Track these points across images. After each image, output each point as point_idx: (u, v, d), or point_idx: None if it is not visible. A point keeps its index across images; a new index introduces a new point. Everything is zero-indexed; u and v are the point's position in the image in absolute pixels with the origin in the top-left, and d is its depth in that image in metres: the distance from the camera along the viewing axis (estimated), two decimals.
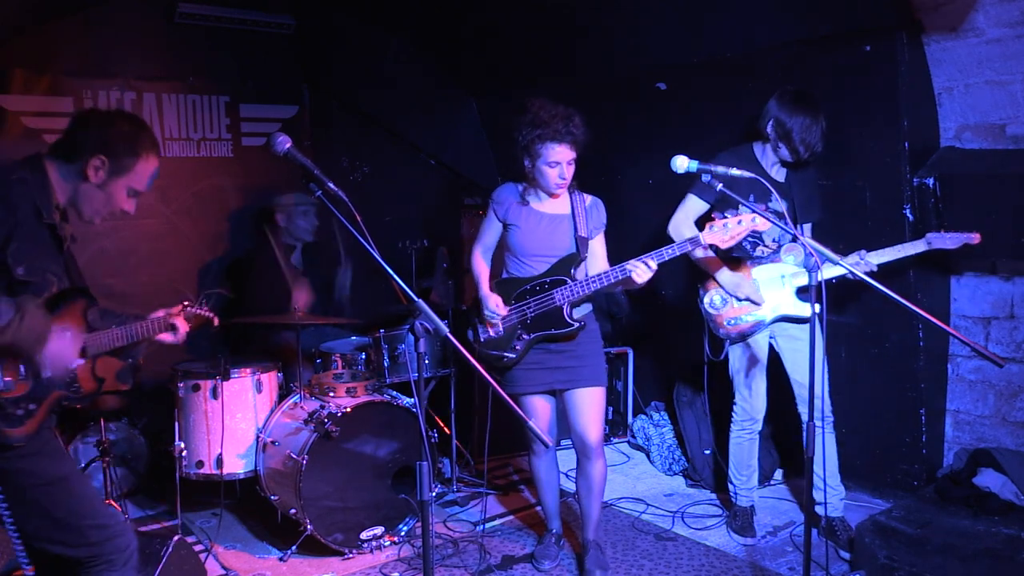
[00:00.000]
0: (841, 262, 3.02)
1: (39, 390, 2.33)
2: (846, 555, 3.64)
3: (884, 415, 4.01)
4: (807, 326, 3.65)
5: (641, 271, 3.16)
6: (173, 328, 2.69)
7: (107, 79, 4.83)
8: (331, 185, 2.29)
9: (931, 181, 3.80)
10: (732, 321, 3.75)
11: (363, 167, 5.88)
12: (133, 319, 2.63)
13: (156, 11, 4.93)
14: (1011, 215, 3.55)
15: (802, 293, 3.69)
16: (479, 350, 3.49)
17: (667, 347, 5.09)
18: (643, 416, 5.16)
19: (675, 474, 4.83)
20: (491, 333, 3.46)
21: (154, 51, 5.00)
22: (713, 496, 4.49)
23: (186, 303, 2.78)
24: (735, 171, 2.90)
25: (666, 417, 5.04)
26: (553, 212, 3.45)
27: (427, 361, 4.38)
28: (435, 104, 5.93)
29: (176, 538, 3.27)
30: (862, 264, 3.53)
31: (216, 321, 2.89)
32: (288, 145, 2.32)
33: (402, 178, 6.05)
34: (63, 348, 2.33)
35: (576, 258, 3.38)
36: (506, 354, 3.42)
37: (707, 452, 4.60)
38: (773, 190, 3.02)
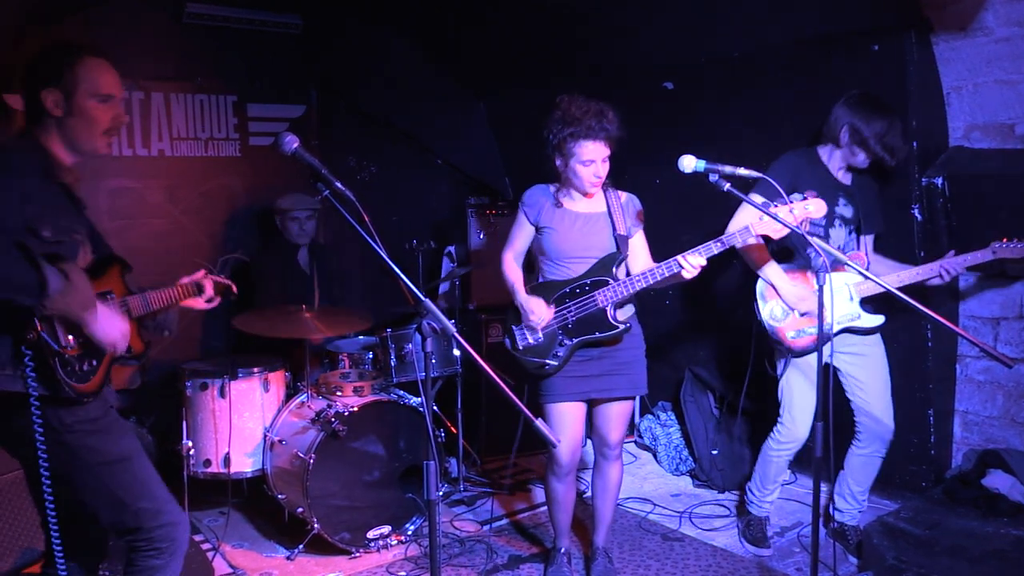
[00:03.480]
0: (853, 265, 2.94)
1: (95, 350, 2.36)
2: (853, 560, 3.63)
3: (892, 415, 3.99)
4: (873, 339, 3.63)
5: (687, 268, 3.04)
6: (201, 292, 2.77)
7: None
8: (339, 185, 2.29)
9: (940, 181, 3.78)
10: (794, 335, 3.56)
11: (370, 167, 5.89)
12: (160, 287, 2.68)
13: (164, 11, 4.94)
14: (1021, 215, 3.53)
15: (867, 303, 3.55)
16: (519, 358, 3.31)
17: (674, 346, 5.07)
18: (650, 416, 5.15)
19: (682, 474, 4.82)
20: (530, 340, 3.28)
21: (162, 51, 5.02)
22: (720, 496, 4.48)
23: (206, 270, 2.83)
24: (742, 170, 2.86)
25: (673, 417, 5.03)
26: (589, 211, 3.30)
27: (434, 361, 4.38)
28: (442, 105, 5.94)
29: None
30: (952, 265, 3.43)
31: (234, 288, 2.93)
32: (296, 145, 2.32)
33: (409, 178, 6.06)
34: (114, 323, 2.34)
35: (617, 257, 3.24)
36: (548, 361, 3.26)
37: (714, 452, 4.59)
38: (782, 192, 2.94)
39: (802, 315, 3.55)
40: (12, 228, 2.15)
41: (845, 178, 3.62)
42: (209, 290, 2.80)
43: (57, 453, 2.26)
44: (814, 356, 3.58)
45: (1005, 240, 3.39)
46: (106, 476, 2.33)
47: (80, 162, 2.46)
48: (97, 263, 2.48)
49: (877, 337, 3.65)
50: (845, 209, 3.57)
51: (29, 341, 2.16)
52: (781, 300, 3.58)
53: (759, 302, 3.64)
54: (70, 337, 2.26)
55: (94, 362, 2.34)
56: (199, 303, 2.79)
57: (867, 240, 3.69)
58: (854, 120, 3.45)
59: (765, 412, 3.90)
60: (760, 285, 3.65)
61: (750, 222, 3.08)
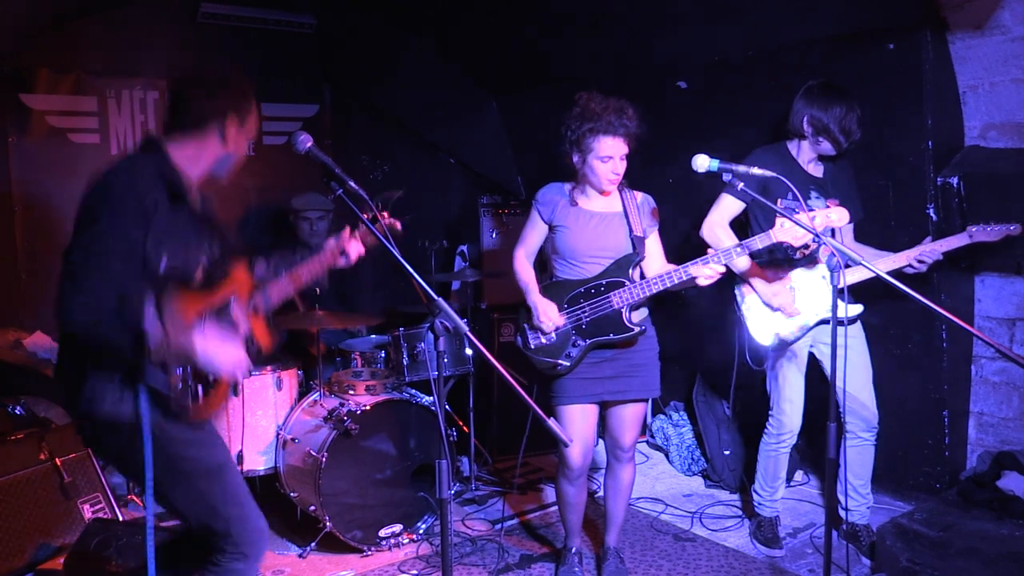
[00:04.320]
0: (864, 262, 2.94)
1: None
2: (867, 561, 3.61)
3: (907, 417, 3.97)
4: (853, 328, 3.64)
5: (707, 274, 3.03)
6: (344, 253, 2.71)
7: (130, 78, 4.88)
8: (352, 184, 2.30)
9: (955, 180, 3.75)
10: (773, 328, 3.60)
11: (383, 166, 5.90)
12: (307, 258, 2.66)
13: (179, 11, 4.98)
14: None
15: (843, 294, 3.59)
16: (530, 357, 3.30)
17: (686, 346, 5.06)
18: (662, 416, 5.14)
19: (694, 474, 4.81)
20: (543, 340, 3.26)
21: (177, 50, 5.04)
22: (732, 497, 4.46)
23: (352, 227, 2.73)
24: (755, 170, 2.87)
25: (685, 417, 5.02)
26: (604, 211, 3.27)
27: (446, 360, 4.38)
28: (454, 103, 5.95)
29: None
30: (928, 254, 3.44)
31: (399, 225, 2.73)
32: (309, 144, 2.33)
33: (421, 177, 6.08)
34: (224, 356, 2.28)
35: (633, 258, 3.21)
36: (560, 361, 3.23)
37: (726, 452, 4.58)
38: (793, 188, 2.94)
39: (775, 310, 3.58)
40: (130, 267, 2.15)
41: (816, 170, 3.64)
42: (354, 253, 2.71)
43: (156, 460, 2.28)
44: (799, 346, 3.64)
45: (981, 223, 3.39)
46: (201, 483, 2.37)
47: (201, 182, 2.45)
48: (216, 267, 2.43)
49: (857, 326, 3.66)
50: (817, 202, 3.57)
51: (141, 381, 2.19)
52: (757, 296, 3.61)
53: (737, 299, 3.68)
54: (180, 371, 2.26)
55: (210, 381, 2.35)
56: (341, 262, 2.73)
57: (846, 229, 3.68)
58: (812, 110, 3.49)
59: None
60: (737, 282, 3.69)
61: (726, 237, 3.13)
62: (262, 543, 2.50)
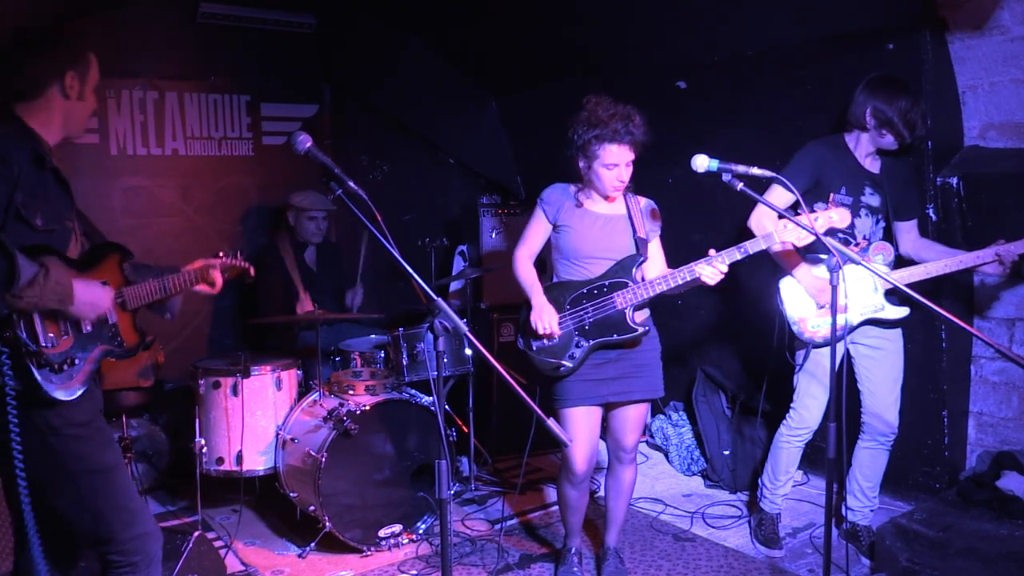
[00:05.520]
0: (864, 263, 2.93)
1: (82, 344, 2.32)
2: (866, 561, 3.61)
3: (906, 416, 3.96)
4: (894, 333, 3.62)
5: (710, 274, 3.01)
6: (209, 279, 2.70)
7: (130, 78, 4.88)
8: (351, 184, 2.29)
9: (955, 180, 3.76)
10: (815, 326, 3.55)
11: (383, 166, 5.90)
12: (168, 271, 2.63)
13: (178, 11, 4.98)
14: None
15: (891, 295, 3.51)
16: (532, 358, 3.27)
17: (686, 346, 5.06)
18: (661, 416, 5.14)
19: (693, 474, 4.81)
20: (544, 341, 3.24)
21: (176, 51, 5.05)
22: (732, 497, 4.46)
23: (221, 254, 2.80)
24: (755, 169, 2.85)
25: (685, 417, 5.02)
26: (609, 213, 3.27)
27: (446, 360, 4.38)
28: (454, 103, 5.95)
29: (196, 534, 3.30)
30: (1000, 263, 3.32)
31: (252, 271, 2.89)
32: (309, 144, 2.33)
33: (421, 177, 6.07)
34: (95, 298, 2.30)
35: (637, 259, 3.21)
36: (563, 362, 3.20)
37: (726, 452, 4.58)
38: (796, 192, 2.92)
39: (821, 307, 3.53)
40: None
41: (873, 165, 3.57)
42: (218, 280, 2.72)
43: (40, 457, 2.23)
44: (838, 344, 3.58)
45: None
46: (87, 485, 2.29)
47: (60, 144, 2.43)
48: (93, 252, 2.43)
49: (898, 331, 3.62)
50: (871, 198, 3.52)
51: (6, 339, 2.13)
52: (802, 290, 3.57)
53: (781, 293, 3.62)
54: (51, 335, 2.22)
55: (76, 361, 2.28)
56: (205, 289, 2.72)
57: (903, 227, 3.62)
58: (877, 102, 3.41)
59: (779, 414, 3.89)
60: (780, 276, 3.64)
61: (773, 229, 3.04)
62: (153, 550, 2.41)
